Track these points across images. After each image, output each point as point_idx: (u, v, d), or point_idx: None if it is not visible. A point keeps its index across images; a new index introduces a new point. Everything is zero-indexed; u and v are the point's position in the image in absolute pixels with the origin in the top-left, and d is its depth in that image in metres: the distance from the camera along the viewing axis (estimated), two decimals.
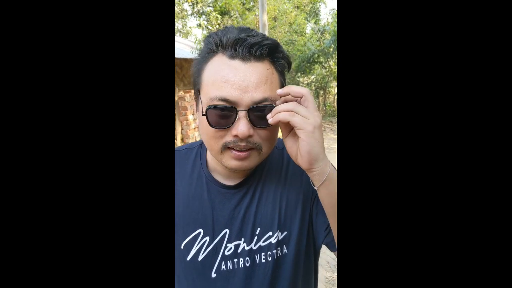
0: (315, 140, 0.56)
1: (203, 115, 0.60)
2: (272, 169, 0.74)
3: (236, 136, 0.59)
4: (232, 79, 0.58)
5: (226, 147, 0.61)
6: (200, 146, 0.78)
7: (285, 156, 0.76)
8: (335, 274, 2.72)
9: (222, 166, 0.69)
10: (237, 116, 0.58)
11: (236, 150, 0.61)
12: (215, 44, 0.61)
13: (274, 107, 0.59)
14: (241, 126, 0.58)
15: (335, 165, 0.59)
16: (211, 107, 0.58)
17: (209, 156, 0.74)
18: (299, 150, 0.58)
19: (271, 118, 0.58)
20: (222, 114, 0.58)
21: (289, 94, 0.59)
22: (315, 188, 0.61)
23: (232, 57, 0.59)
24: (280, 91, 0.59)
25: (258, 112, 0.59)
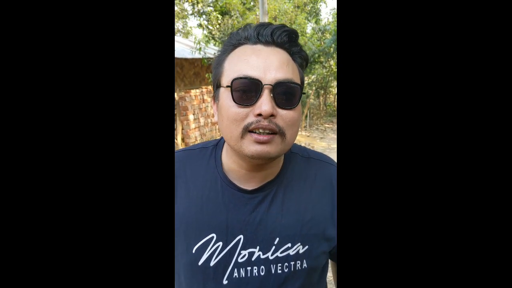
0: None
1: (227, 86, 0.59)
2: (295, 178, 0.71)
3: (259, 115, 0.58)
4: (255, 59, 0.60)
5: (247, 131, 0.59)
6: (215, 146, 0.74)
7: (312, 167, 0.73)
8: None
9: (240, 165, 0.67)
10: (262, 91, 0.58)
11: (258, 134, 0.58)
12: (238, 39, 0.64)
13: (299, 88, 0.60)
14: (264, 103, 0.57)
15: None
16: (236, 79, 0.58)
17: (225, 157, 0.70)
18: None
19: None
20: (246, 88, 0.58)
21: None
22: None
23: (255, 42, 0.63)
24: None
25: (282, 91, 0.58)
